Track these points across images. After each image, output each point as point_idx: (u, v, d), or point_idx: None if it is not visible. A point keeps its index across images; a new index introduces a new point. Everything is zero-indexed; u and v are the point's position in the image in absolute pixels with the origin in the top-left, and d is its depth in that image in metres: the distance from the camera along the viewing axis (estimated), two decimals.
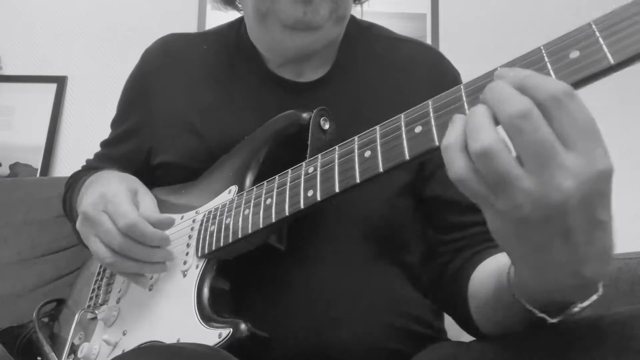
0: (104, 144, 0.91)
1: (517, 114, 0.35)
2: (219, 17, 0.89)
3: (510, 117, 0.35)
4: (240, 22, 0.84)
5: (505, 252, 0.44)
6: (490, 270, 0.60)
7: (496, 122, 0.37)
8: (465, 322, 0.68)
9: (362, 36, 0.83)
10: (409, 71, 0.79)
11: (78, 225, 0.68)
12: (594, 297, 0.43)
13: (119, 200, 0.65)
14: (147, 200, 0.70)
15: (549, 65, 0.40)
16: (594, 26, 0.39)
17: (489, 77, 0.43)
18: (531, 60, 0.41)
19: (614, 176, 0.36)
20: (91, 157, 0.93)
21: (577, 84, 0.38)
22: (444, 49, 1.04)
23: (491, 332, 0.62)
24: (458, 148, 0.38)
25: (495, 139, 0.36)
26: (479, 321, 0.64)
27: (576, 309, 0.43)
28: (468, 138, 0.37)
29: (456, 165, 0.38)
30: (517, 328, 0.52)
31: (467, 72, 0.68)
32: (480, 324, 0.64)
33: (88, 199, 0.68)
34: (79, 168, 0.93)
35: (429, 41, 1.91)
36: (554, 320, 0.44)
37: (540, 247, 0.38)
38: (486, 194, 0.37)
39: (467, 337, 0.68)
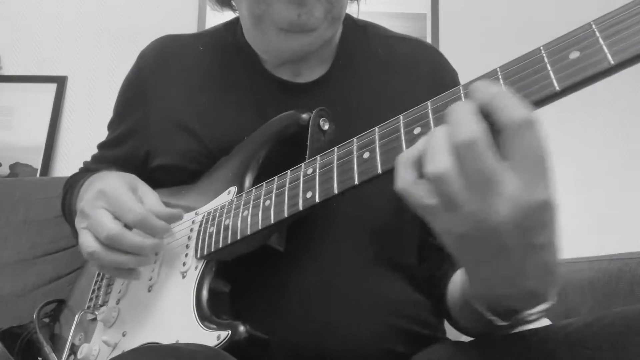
0: (101, 146, 0.90)
1: (462, 142, 0.37)
2: (219, 18, 0.88)
3: (456, 144, 0.38)
4: (236, 22, 0.84)
5: (455, 259, 0.46)
6: (460, 276, 0.62)
7: None
8: (455, 324, 0.71)
9: (360, 35, 0.82)
10: (408, 70, 0.79)
11: (76, 221, 0.68)
12: (543, 307, 0.45)
13: (122, 197, 0.65)
14: (151, 195, 0.69)
15: (548, 65, 0.39)
16: (594, 26, 0.38)
17: (489, 76, 0.43)
18: (531, 61, 0.41)
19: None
20: (91, 157, 0.93)
21: (577, 85, 0.38)
22: (444, 49, 1.04)
23: (476, 332, 0.64)
24: (410, 164, 0.41)
25: (448, 166, 0.38)
26: (461, 323, 0.66)
27: (524, 316, 0.46)
28: (425, 158, 0.40)
29: (404, 179, 0.41)
30: (482, 328, 0.54)
31: (467, 72, 0.67)
32: (464, 325, 0.66)
33: (86, 196, 0.68)
34: (78, 169, 0.93)
35: (428, 41, 1.91)
36: (504, 323, 0.48)
37: (481, 260, 0.42)
38: (433, 210, 0.40)
39: (466, 338, 0.68)
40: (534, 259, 0.40)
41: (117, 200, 0.64)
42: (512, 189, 0.37)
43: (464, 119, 0.38)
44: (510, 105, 0.37)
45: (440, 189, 0.39)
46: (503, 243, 0.39)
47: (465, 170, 0.38)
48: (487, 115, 0.38)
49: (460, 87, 0.45)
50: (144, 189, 0.70)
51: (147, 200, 0.67)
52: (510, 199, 0.37)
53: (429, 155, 0.39)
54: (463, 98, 0.44)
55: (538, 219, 0.38)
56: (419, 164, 0.41)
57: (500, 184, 0.37)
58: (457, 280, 0.63)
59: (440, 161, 0.38)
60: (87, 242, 0.64)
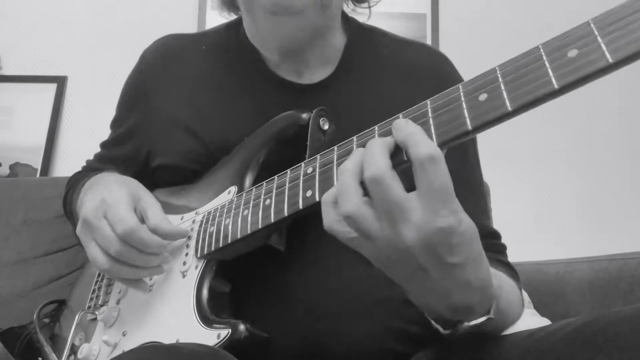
0: (103, 145, 0.91)
1: (370, 177, 0.43)
2: (219, 18, 0.88)
3: (366, 179, 0.43)
4: (238, 23, 0.84)
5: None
6: None
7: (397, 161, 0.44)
8: None
9: (366, 39, 0.82)
10: (414, 75, 0.79)
11: (78, 229, 0.68)
12: (482, 320, 0.49)
13: (118, 206, 0.65)
14: (154, 208, 0.68)
15: (547, 64, 0.39)
16: (592, 25, 0.38)
17: (488, 75, 0.43)
18: (529, 59, 0.41)
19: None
20: (91, 157, 0.93)
21: (576, 83, 0.38)
22: (444, 49, 1.04)
23: None
24: (330, 204, 0.46)
25: (356, 206, 0.43)
26: None
27: (463, 327, 0.49)
28: (338, 199, 0.45)
29: (328, 218, 0.47)
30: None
31: (467, 72, 0.67)
32: None
33: (89, 204, 0.68)
34: (79, 168, 0.93)
35: (428, 41, 1.92)
36: (446, 332, 0.51)
37: (406, 278, 0.47)
38: (354, 242, 0.46)
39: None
40: (452, 277, 0.45)
41: (114, 210, 0.65)
42: (417, 217, 0.42)
43: (373, 157, 0.43)
44: (419, 142, 0.42)
45: (355, 225, 0.44)
46: (419, 263, 0.44)
47: (375, 202, 0.43)
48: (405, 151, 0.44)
49: (460, 86, 0.45)
50: (147, 199, 0.70)
51: (150, 214, 0.67)
52: (415, 225, 0.42)
53: (340, 197, 0.44)
54: (462, 97, 0.44)
55: (443, 241, 0.42)
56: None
57: (407, 212, 0.42)
58: None
59: (350, 202, 0.43)
60: (99, 259, 0.65)
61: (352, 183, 0.44)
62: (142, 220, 0.67)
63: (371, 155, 0.43)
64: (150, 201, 0.69)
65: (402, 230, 0.43)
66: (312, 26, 0.73)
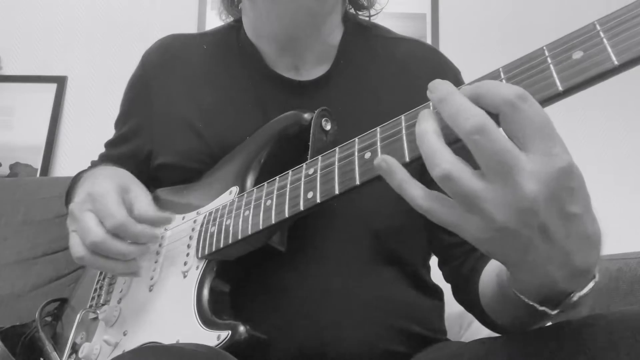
0: (107, 145, 0.91)
1: (472, 129, 0.36)
2: (219, 18, 0.89)
3: (466, 134, 0.37)
4: (239, 22, 0.84)
5: (496, 259, 0.45)
6: (494, 269, 0.60)
7: (451, 138, 0.39)
8: (484, 321, 0.69)
9: (362, 35, 0.83)
10: (410, 70, 0.79)
11: (67, 220, 0.69)
12: (591, 285, 0.43)
13: (106, 200, 0.65)
14: (142, 197, 0.68)
15: (551, 66, 0.39)
16: (598, 26, 0.38)
17: (491, 76, 0.43)
18: (534, 61, 0.41)
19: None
20: (91, 156, 0.93)
21: (581, 85, 0.38)
22: (444, 49, 1.04)
23: (508, 326, 0.61)
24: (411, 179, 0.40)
25: (452, 163, 0.37)
26: (494, 317, 0.64)
27: (575, 299, 0.43)
28: (427, 165, 0.39)
29: (418, 197, 0.40)
30: (528, 321, 0.52)
31: (467, 72, 0.68)
32: (496, 320, 0.64)
33: (76, 198, 0.69)
34: (79, 168, 0.93)
35: (428, 41, 1.92)
36: (555, 312, 0.45)
37: (525, 248, 0.39)
38: (455, 217, 0.39)
39: (466, 338, 0.68)
40: (575, 232, 0.39)
41: (102, 204, 0.64)
42: (532, 163, 0.36)
43: (464, 108, 0.37)
44: (499, 86, 0.37)
45: (456, 188, 0.38)
46: (540, 222, 0.37)
47: (480, 157, 0.37)
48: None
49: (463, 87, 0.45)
50: (137, 190, 0.69)
51: (137, 203, 0.67)
52: (532, 173, 0.36)
53: (429, 160, 0.39)
54: None
55: (566, 185, 0.37)
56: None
57: (520, 161, 0.36)
58: (489, 276, 0.61)
59: (444, 160, 0.38)
60: (75, 246, 0.65)
61: (438, 143, 0.39)
62: (131, 210, 0.67)
63: (459, 108, 0.38)
64: (138, 192, 0.69)
65: (520, 183, 0.36)
66: (308, 9, 0.73)
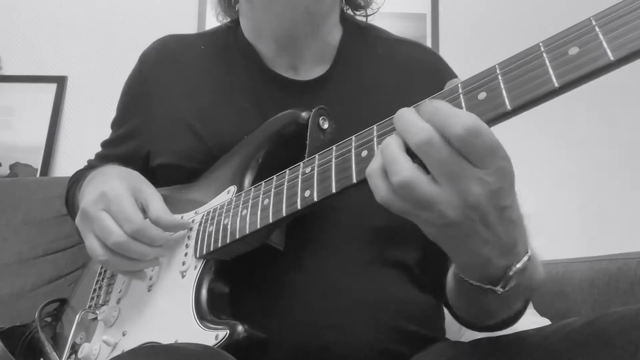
0: (104, 144, 0.91)
1: (421, 142, 0.42)
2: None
3: (417, 145, 0.42)
4: (237, 23, 0.84)
5: (442, 248, 0.49)
6: (453, 268, 0.63)
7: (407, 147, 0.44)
8: (458, 317, 0.72)
9: (361, 36, 0.83)
10: (408, 72, 0.80)
11: (77, 219, 0.68)
12: (525, 259, 0.48)
13: (121, 202, 0.64)
14: (155, 200, 0.68)
15: (547, 62, 0.39)
16: (594, 22, 0.38)
17: (488, 74, 0.43)
18: (530, 57, 0.41)
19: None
20: (91, 156, 0.93)
21: (577, 81, 0.38)
22: (444, 49, 1.04)
23: (472, 318, 0.66)
24: (379, 176, 0.45)
25: (409, 170, 0.42)
26: (460, 313, 0.68)
27: (511, 273, 0.48)
28: (387, 170, 0.44)
29: (381, 191, 0.45)
30: (483, 306, 0.55)
31: (467, 72, 0.67)
32: (464, 314, 0.67)
33: (88, 196, 0.68)
34: (79, 168, 0.93)
35: (429, 41, 1.92)
36: (500, 289, 0.49)
37: (469, 236, 0.45)
38: (412, 211, 0.44)
39: (466, 338, 0.68)
40: (507, 218, 0.45)
41: (118, 206, 0.64)
42: (476, 170, 0.41)
43: (412, 123, 0.43)
44: (453, 116, 0.41)
45: (412, 193, 0.43)
46: (482, 217, 0.43)
47: (431, 165, 0.42)
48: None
49: (460, 85, 0.45)
50: (148, 191, 0.69)
51: (152, 206, 0.67)
52: (477, 179, 0.42)
53: (389, 166, 0.43)
54: (461, 97, 0.44)
55: (502, 184, 0.42)
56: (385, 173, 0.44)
57: (464, 171, 0.41)
58: (450, 275, 0.63)
59: (403, 169, 0.42)
60: (97, 250, 0.65)
61: (399, 152, 0.43)
62: (143, 210, 0.67)
63: (409, 123, 0.43)
64: (151, 192, 0.69)
65: (467, 186, 0.42)
66: (305, 7, 0.74)
